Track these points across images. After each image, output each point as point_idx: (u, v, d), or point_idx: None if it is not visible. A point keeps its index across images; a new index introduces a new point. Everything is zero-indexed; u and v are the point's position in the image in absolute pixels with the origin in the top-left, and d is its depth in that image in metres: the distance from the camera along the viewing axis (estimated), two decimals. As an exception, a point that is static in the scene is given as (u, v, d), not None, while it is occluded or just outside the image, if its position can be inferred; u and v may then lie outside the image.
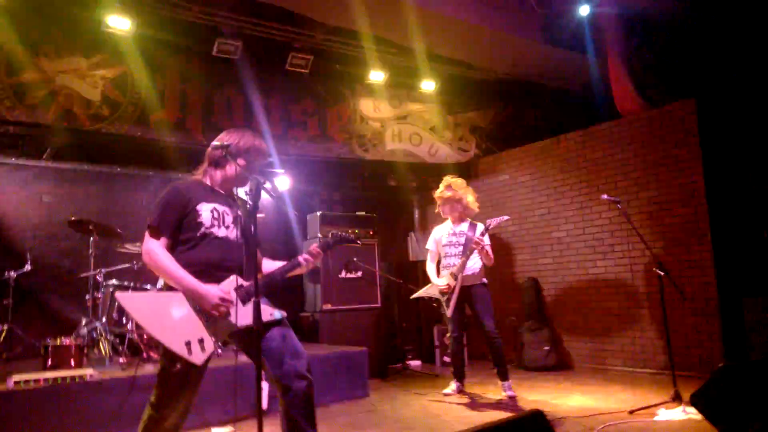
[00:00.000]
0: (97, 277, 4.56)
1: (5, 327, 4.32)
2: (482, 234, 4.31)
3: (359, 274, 5.93)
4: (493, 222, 4.32)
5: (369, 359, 4.82)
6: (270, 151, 2.54)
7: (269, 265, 2.60)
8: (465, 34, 5.76)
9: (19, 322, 4.42)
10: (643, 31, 5.85)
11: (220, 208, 2.43)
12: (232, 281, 2.32)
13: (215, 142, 2.46)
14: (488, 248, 4.35)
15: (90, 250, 4.60)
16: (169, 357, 2.22)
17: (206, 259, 2.33)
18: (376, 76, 6.20)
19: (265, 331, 2.29)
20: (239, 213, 2.50)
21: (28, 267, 4.54)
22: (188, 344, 2.16)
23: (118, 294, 2.32)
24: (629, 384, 4.65)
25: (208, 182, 2.50)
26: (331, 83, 6.28)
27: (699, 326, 4.90)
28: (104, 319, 4.40)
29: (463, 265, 4.40)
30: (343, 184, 6.62)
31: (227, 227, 2.41)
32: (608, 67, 5.86)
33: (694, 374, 4.78)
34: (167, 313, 2.21)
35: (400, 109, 6.75)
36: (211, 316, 2.25)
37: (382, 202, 7.18)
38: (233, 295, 2.29)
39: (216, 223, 2.38)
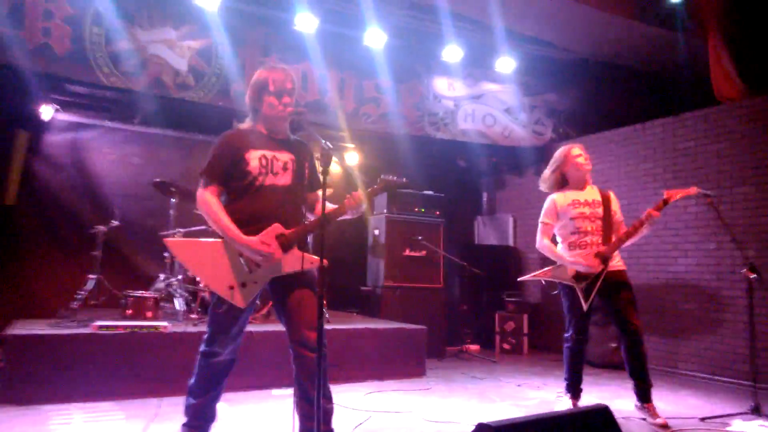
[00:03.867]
0: (176, 236, 4.82)
1: (94, 276, 4.68)
2: (659, 207, 3.37)
3: (423, 253, 5.90)
4: (674, 194, 3.38)
5: (427, 339, 4.82)
6: (279, 76, 2.45)
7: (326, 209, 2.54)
8: (547, 10, 5.47)
9: (105, 273, 4.77)
10: (750, 9, 5.29)
11: (269, 154, 2.46)
12: (273, 229, 2.38)
13: None
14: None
15: (171, 211, 4.86)
16: (216, 299, 2.40)
17: (251, 209, 2.41)
18: (452, 53, 6.05)
19: (297, 285, 2.37)
20: (293, 157, 2.51)
21: (115, 223, 4.87)
22: (231, 288, 2.34)
23: (166, 239, 2.46)
24: (702, 391, 4.36)
25: (261, 129, 2.54)
26: (406, 59, 6.18)
27: (790, 337, 4.49)
28: (180, 277, 4.66)
29: (619, 245, 3.43)
30: (412, 162, 6.56)
31: (275, 174, 2.46)
32: (708, 48, 5.37)
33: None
34: (212, 259, 2.36)
35: (475, 88, 6.55)
36: (252, 262, 2.35)
37: (450, 182, 7.07)
38: (274, 244, 2.36)
39: (264, 170, 2.43)
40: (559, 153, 3.69)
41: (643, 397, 3.40)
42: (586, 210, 3.54)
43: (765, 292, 3.59)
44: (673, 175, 5.49)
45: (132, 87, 4.93)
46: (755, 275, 3.54)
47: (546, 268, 3.58)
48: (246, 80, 5.36)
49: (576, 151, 3.63)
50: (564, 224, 3.59)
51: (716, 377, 4.84)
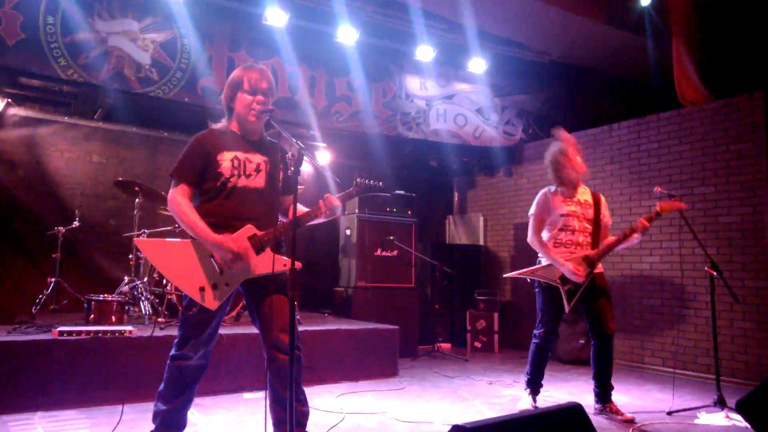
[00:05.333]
0: (142, 237, 4.66)
1: (53, 280, 4.49)
2: (651, 218, 3.43)
3: (395, 253, 5.89)
4: (667, 207, 3.48)
5: (399, 339, 4.81)
6: (255, 75, 2.42)
7: (300, 212, 2.50)
8: (519, 11, 5.53)
9: (66, 276, 4.57)
10: (712, 15, 5.48)
11: (242, 155, 2.42)
12: (245, 230, 2.35)
13: None
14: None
15: (135, 211, 4.71)
16: (187, 301, 2.35)
17: (223, 210, 2.37)
18: (424, 52, 6.05)
19: (270, 288, 2.33)
20: (266, 159, 2.47)
21: (76, 223, 4.68)
22: (202, 289, 2.29)
23: (137, 239, 2.38)
24: (667, 385, 4.48)
25: (235, 129, 2.49)
26: (378, 58, 6.16)
27: (749, 332, 4.66)
28: (145, 279, 4.51)
29: (607, 251, 3.50)
30: (384, 161, 6.54)
31: (248, 176, 2.41)
32: (672, 53, 5.53)
33: (739, 381, 4.58)
34: (183, 259, 2.31)
35: (447, 88, 6.58)
36: (224, 264, 2.30)
37: (422, 182, 7.09)
38: (246, 245, 2.32)
39: (236, 172, 2.39)
40: (558, 153, 3.62)
41: (604, 399, 3.48)
42: (578, 209, 3.57)
43: (725, 289, 3.70)
44: (638, 176, 5.64)
45: (91, 80, 4.72)
46: (715, 272, 3.65)
47: (535, 267, 3.59)
48: (214, 76, 5.30)
49: (573, 152, 3.61)
50: (553, 220, 3.60)
51: (681, 371, 4.99)
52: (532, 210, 3.65)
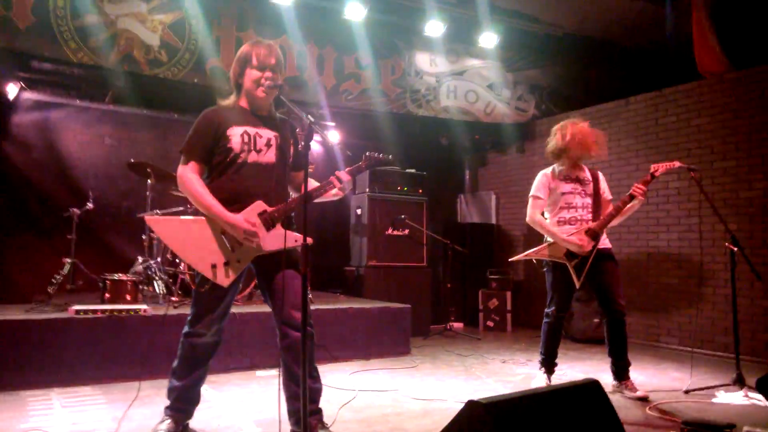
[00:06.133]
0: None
1: (69, 260, 4.53)
2: (647, 182, 3.38)
3: (406, 232, 5.86)
4: (662, 168, 3.41)
5: (411, 317, 4.80)
6: (263, 51, 2.39)
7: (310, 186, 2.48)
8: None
9: (81, 256, 4.62)
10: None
11: (252, 130, 2.40)
12: (256, 207, 2.33)
13: None
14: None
15: (147, 192, 4.71)
16: (199, 278, 2.36)
17: (233, 186, 2.35)
18: (434, 28, 5.93)
19: (281, 264, 2.32)
20: (276, 134, 2.45)
21: (90, 205, 4.70)
22: (214, 267, 2.29)
23: (147, 217, 2.38)
24: (684, 364, 4.42)
25: (244, 105, 2.47)
26: (386, 34, 6.04)
27: (769, 309, 4.57)
28: (159, 259, 4.54)
29: (609, 220, 3.44)
30: (394, 140, 6.47)
31: (259, 151, 2.39)
32: (691, 23, 5.34)
33: (759, 360, 4.50)
34: (194, 237, 2.31)
35: (457, 64, 6.45)
36: (236, 240, 2.30)
37: (432, 160, 7.00)
38: (257, 221, 2.30)
39: (246, 147, 2.37)
40: (569, 128, 3.51)
41: (621, 375, 3.44)
42: (579, 187, 3.54)
43: (745, 265, 3.62)
44: (656, 151, 5.51)
45: (102, 63, 4.72)
46: (736, 247, 3.56)
47: (540, 247, 3.53)
48: (221, 56, 5.25)
49: (586, 129, 3.51)
50: (555, 199, 3.56)
51: (698, 350, 4.92)
52: (532, 191, 3.60)
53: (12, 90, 4.96)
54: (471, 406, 1.77)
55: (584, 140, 3.49)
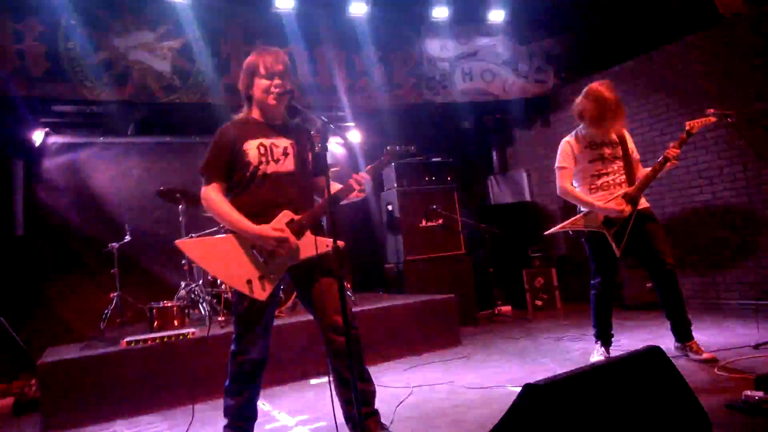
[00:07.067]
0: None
1: (116, 294, 4.65)
2: (683, 141, 3.24)
3: (440, 221, 5.78)
4: (696, 124, 3.26)
5: (457, 307, 4.72)
6: (270, 58, 2.36)
7: (333, 189, 2.43)
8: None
9: (126, 289, 4.73)
10: None
11: (267, 141, 2.37)
12: (283, 216, 2.31)
13: None
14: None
15: (180, 218, 4.79)
16: (237, 295, 2.34)
17: (257, 199, 2.33)
18: (440, 12, 5.82)
19: (316, 271, 2.29)
20: (292, 142, 2.41)
21: (128, 237, 4.82)
22: (249, 282, 2.26)
23: (178, 241, 2.39)
24: (749, 318, 4.21)
25: (257, 116, 2.45)
26: (393, 27, 5.97)
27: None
28: (201, 282, 4.60)
29: (646, 184, 3.28)
30: (416, 131, 6.40)
31: (277, 161, 2.36)
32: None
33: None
34: (226, 255, 2.29)
35: (469, 45, 6.32)
36: (268, 253, 2.28)
37: (458, 146, 6.91)
38: (285, 230, 2.28)
39: (264, 159, 2.34)
40: (600, 93, 3.29)
41: (684, 336, 3.27)
42: (605, 150, 3.38)
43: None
44: (687, 103, 5.27)
45: (118, 97, 4.83)
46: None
47: (575, 217, 3.39)
48: (233, 73, 5.29)
49: (613, 95, 3.29)
50: (583, 167, 3.41)
51: (762, 302, 4.66)
52: (557, 162, 3.45)
53: (38, 137, 5.13)
54: (529, 389, 1.71)
55: (614, 106, 3.28)
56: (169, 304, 4.22)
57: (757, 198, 4.76)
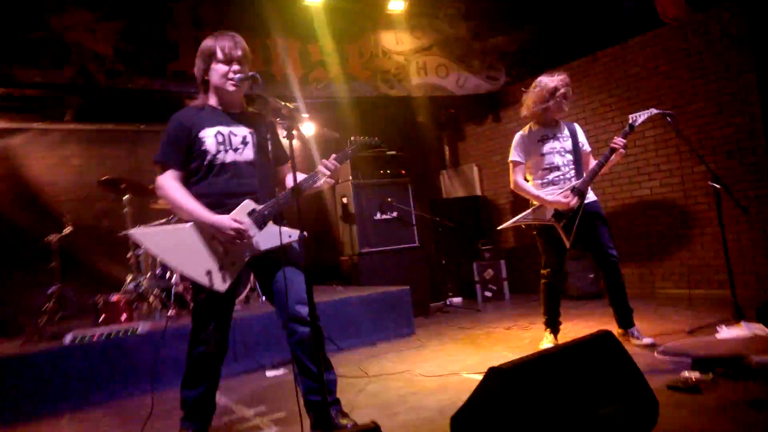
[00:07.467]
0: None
1: (55, 289, 4.40)
2: (626, 133, 3.36)
3: (394, 214, 5.83)
4: (641, 117, 3.38)
5: (411, 298, 4.79)
6: (228, 43, 2.30)
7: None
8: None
9: (68, 283, 4.49)
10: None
11: (225, 129, 2.31)
12: (244, 206, 2.27)
13: None
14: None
15: (125, 209, 4.59)
16: (195, 287, 2.29)
17: (216, 188, 2.28)
18: (396, 5, 5.85)
19: (279, 260, 2.26)
20: (251, 130, 2.37)
21: (68, 229, 4.57)
22: (209, 273, 2.21)
23: (132, 230, 2.30)
24: (682, 306, 4.52)
25: (214, 104, 2.38)
26: (349, 17, 5.94)
27: (756, 241, 4.67)
28: (148, 275, 4.44)
29: (594, 176, 3.39)
30: (370, 124, 6.41)
31: (236, 149, 2.31)
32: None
33: (752, 292, 4.61)
34: (184, 245, 2.23)
35: (424, 39, 6.38)
36: (228, 243, 2.23)
37: (411, 139, 6.98)
38: (247, 221, 2.24)
39: (222, 147, 2.29)
40: (547, 86, 3.45)
41: (626, 323, 3.46)
42: (557, 144, 3.49)
43: (728, 202, 3.68)
44: (629, 102, 5.55)
45: (56, 80, 4.52)
46: (719, 185, 3.60)
47: (526, 212, 3.50)
48: (181, 57, 5.10)
49: (562, 84, 3.44)
50: (535, 161, 3.52)
51: (693, 291, 5.01)
52: (510, 156, 3.56)
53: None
54: (493, 373, 1.77)
55: (561, 98, 3.45)
56: (115, 298, 4.05)
57: (690, 194, 5.10)
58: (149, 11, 4.83)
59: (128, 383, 3.39)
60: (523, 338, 4.08)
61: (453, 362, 3.56)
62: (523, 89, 3.66)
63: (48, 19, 4.47)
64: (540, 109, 3.48)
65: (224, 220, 2.21)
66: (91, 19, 4.68)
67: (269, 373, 3.71)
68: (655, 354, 3.10)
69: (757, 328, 3.28)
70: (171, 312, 4.20)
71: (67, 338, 3.41)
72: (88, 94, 4.90)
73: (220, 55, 2.30)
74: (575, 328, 4.22)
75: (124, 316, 3.97)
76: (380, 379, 3.31)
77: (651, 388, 1.99)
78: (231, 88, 2.31)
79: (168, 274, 4.46)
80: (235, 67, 2.31)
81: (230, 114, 2.37)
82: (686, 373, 2.50)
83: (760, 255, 4.65)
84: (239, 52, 2.32)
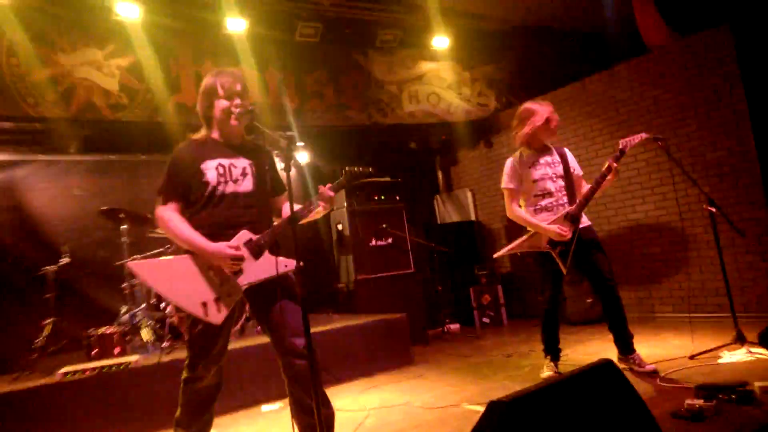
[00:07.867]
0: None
1: (49, 320, 4.34)
2: (617, 158, 3.33)
3: (389, 240, 5.82)
4: (631, 142, 3.36)
5: (409, 326, 4.74)
6: (228, 80, 2.38)
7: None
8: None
9: (62, 314, 4.43)
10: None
11: (226, 161, 2.35)
12: (241, 236, 2.28)
13: None
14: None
15: (123, 239, 4.57)
16: (191, 319, 2.27)
17: (215, 219, 2.30)
18: (387, 37, 6.00)
19: (275, 291, 2.25)
20: (250, 161, 2.40)
21: (65, 260, 4.53)
22: (204, 305, 2.20)
23: (130, 262, 2.31)
24: (683, 330, 4.48)
25: (216, 137, 2.43)
26: (343, 50, 6.08)
27: (754, 264, 4.67)
28: (143, 306, 4.39)
29: (587, 200, 3.40)
30: (365, 152, 6.47)
31: (235, 181, 2.35)
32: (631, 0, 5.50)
33: (753, 314, 4.58)
34: (180, 276, 2.23)
35: (415, 69, 6.52)
36: (224, 274, 2.23)
37: (405, 166, 7.02)
38: (244, 250, 2.26)
39: (222, 179, 2.32)
40: (535, 113, 3.49)
41: (626, 349, 3.41)
42: (548, 170, 3.51)
43: (724, 225, 3.69)
44: (618, 127, 5.62)
45: (62, 115, 4.65)
46: (714, 208, 3.63)
47: (521, 239, 3.49)
48: (183, 91, 5.18)
49: (551, 113, 3.49)
50: (528, 188, 3.53)
51: (694, 315, 4.98)
52: (503, 183, 3.56)
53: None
54: (494, 407, 1.74)
55: (550, 124, 3.48)
56: (108, 331, 4.00)
57: (686, 216, 5.12)
58: (154, 48, 4.96)
59: (120, 420, 3.31)
60: (523, 366, 4.03)
61: (453, 393, 3.51)
62: (510, 119, 3.70)
63: (58, 58, 4.61)
64: (530, 134, 3.50)
65: (221, 247, 2.22)
66: (101, 57, 4.84)
67: (265, 408, 3.64)
68: (658, 381, 3.08)
69: (760, 353, 3.26)
70: (165, 344, 4.14)
71: (59, 373, 3.34)
72: (93, 126, 5.00)
73: (220, 91, 2.37)
74: (574, 354, 4.18)
75: (117, 350, 3.90)
76: (379, 413, 3.25)
77: (654, 417, 1.96)
78: (233, 122, 2.38)
79: (163, 305, 4.41)
80: (237, 101, 2.37)
81: (231, 146, 2.42)
82: (689, 401, 2.47)
83: (761, 276, 4.64)
84: (239, 87, 2.39)
